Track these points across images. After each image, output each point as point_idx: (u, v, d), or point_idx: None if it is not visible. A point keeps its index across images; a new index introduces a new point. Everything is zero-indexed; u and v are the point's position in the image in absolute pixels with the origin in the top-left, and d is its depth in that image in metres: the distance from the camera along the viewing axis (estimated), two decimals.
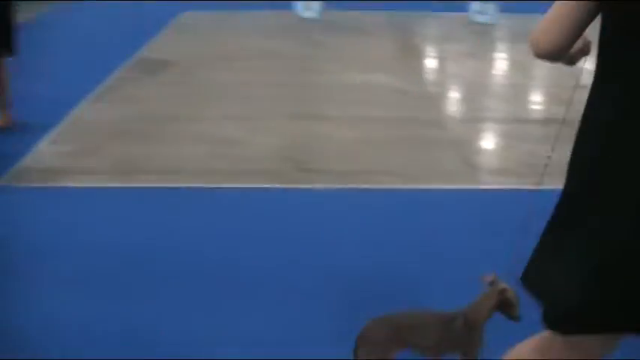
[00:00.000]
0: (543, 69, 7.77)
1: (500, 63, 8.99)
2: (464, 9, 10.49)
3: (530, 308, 2.01)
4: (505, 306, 2.65)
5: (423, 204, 4.12)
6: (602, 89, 1.81)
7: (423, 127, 5.69)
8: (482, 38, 9.61)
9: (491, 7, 10.28)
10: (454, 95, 7.38)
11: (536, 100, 7.29)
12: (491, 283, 2.60)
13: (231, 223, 3.81)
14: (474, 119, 6.21)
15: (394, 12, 10.87)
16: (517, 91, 7.39)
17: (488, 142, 5.86)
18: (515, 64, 8.58)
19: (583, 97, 1.92)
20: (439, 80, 7.93)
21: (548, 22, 1.85)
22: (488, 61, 8.68)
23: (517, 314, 2.63)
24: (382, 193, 4.32)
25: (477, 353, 2.57)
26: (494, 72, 8.51)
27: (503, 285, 2.61)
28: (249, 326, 2.86)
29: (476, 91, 7.25)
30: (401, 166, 4.81)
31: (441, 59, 8.98)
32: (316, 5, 10.35)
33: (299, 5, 10.40)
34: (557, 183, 1.98)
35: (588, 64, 1.96)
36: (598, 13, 1.77)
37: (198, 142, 5.14)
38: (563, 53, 1.86)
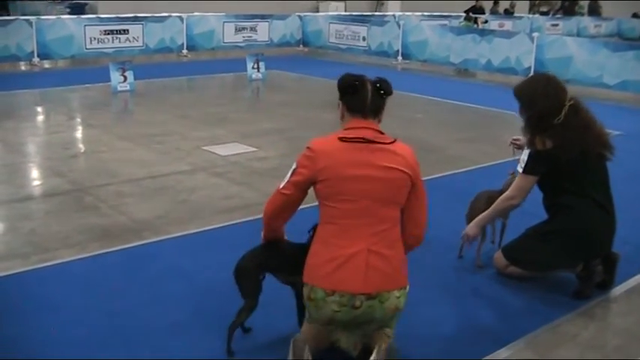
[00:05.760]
0: (34, 145, 7.85)
1: None
2: None
3: None
4: None
5: None
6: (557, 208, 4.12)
7: None
8: None
9: None
10: None
11: (34, 177, 6.70)
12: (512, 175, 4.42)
13: None
14: None
15: None
16: (10, 170, 6.67)
17: None
18: (4, 144, 7.73)
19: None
20: None
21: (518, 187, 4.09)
22: None
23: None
24: None
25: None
26: None
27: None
28: None
29: None
30: None
31: None
32: None
33: None
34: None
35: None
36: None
37: None
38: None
